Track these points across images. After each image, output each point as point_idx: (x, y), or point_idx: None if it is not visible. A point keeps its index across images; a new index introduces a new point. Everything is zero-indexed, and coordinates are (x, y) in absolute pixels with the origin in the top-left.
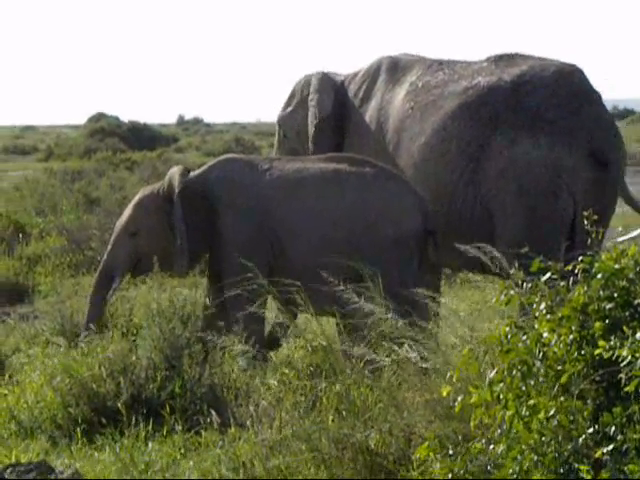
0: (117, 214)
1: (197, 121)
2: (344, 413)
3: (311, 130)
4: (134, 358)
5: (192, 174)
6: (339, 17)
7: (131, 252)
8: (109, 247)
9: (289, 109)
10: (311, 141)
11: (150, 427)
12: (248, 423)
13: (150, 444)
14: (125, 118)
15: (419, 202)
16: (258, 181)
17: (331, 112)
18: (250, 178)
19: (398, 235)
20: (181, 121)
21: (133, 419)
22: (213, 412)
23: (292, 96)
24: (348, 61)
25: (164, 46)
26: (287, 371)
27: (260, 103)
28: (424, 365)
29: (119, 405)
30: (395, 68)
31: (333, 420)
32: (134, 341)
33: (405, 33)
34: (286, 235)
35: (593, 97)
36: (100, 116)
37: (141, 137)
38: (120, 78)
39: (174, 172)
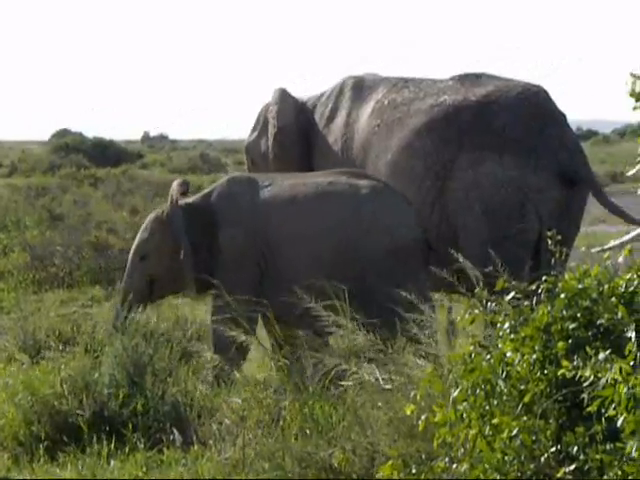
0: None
1: (162, 138)
2: (308, 432)
3: (270, 140)
4: (96, 375)
5: (200, 193)
6: (305, 38)
7: (143, 276)
8: (125, 274)
9: (254, 134)
10: (270, 151)
11: (112, 445)
12: (211, 442)
13: (112, 462)
14: (90, 134)
15: (414, 216)
16: (256, 198)
17: (292, 123)
18: (249, 195)
19: (392, 248)
20: (146, 138)
21: (95, 436)
22: (176, 430)
23: (257, 121)
24: (315, 81)
25: (129, 63)
26: (251, 389)
27: (226, 120)
28: (387, 386)
29: (81, 422)
30: (360, 87)
31: (296, 439)
32: (96, 358)
33: (368, 55)
34: (279, 250)
35: (558, 118)
36: (64, 132)
37: (106, 153)
38: (85, 94)
39: (173, 185)
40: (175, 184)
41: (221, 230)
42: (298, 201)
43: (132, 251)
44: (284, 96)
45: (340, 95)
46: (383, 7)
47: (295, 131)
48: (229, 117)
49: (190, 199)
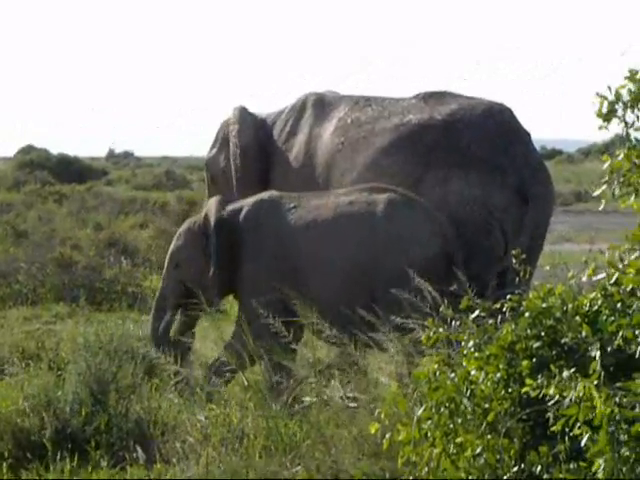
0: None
1: (127, 154)
2: (272, 449)
3: (232, 159)
4: (60, 392)
5: (227, 208)
6: (265, 57)
7: (177, 283)
8: (162, 278)
9: (213, 151)
10: (234, 171)
11: (75, 462)
12: (174, 459)
13: (75, 479)
14: (55, 151)
15: (435, 228)
16: (280, 218)
17: (252, 142)
18: (274, 215)
19: (408, 264)
20: (111, 154)
21: (58, 454)
22: (139, 448)
23: (216, 138)
24: (315, 82)
25: (94, 79)
26: (215, 407)
27: (191, 137)
28: (351, 404)
29: (44, 440)
30: (322, 104)
31: (260, 456)
32: (60, 375)
33: (368, 55)
34: (305, 275)
35: (523, 136)
36: (29, 148)
37: (70, 170)
38: (51, 111)
39: (211, 203)
40: (215, 202)
41: (245, 260)
42: (319, 225)
43: (167, 257)
44: (243, 115)
45: (301, 112)
46: (383, 7)
47: (255, 148)
48: (195, 134)
49: (222, 213)
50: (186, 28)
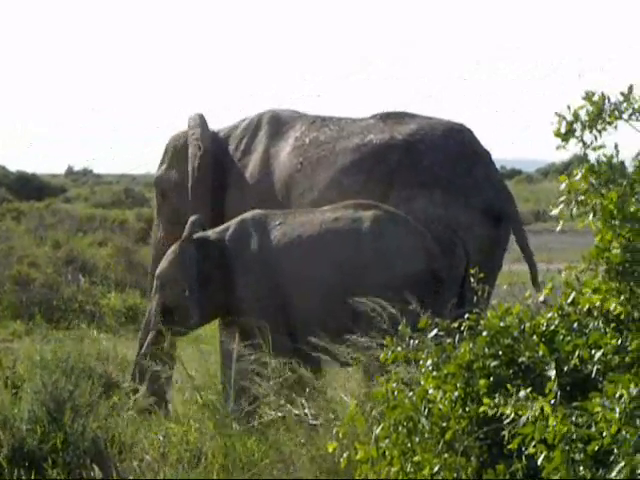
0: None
1: (86, 172)
2: (230, 468)
3: (195, 163)
4: (16, 410)
5: (216, 229)
6: (265, 57)
7: (162, 304)
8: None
9: (163, 167)
10: (191, 176)
11: None
12: (131, 478)
13: None
14: (13, 168)
15: (420, 244)
16: (266, 236)
17: (210, 149)
18: (260, 233)
19: (390, 281)
20: (70, 171)
21: (14, 472)
22: (96, 466)
23: (165, 153)
24: (316, 82)
25: (53, 96)
26: (173, 426)
27: (150, 155)
28: (312, 422)
29: (0, 457)
30: (277, 122)
31: (218, 475)
32: (16, 393)
33: (368, 55)
34: (287, 286)
35: (484, 156)
36: None
37: (29, 187)
38: (8, 127)
39: (188, 222)
40: (189, 223)
41: (237, 283)
42: (304, 242)
43: (155, 277)
44: (203, 120)
45: (256, 129)
46: (383, 7)
47: (212, 158)
48: (154, 152)
49: (207, 234)
50: (185, 26)
